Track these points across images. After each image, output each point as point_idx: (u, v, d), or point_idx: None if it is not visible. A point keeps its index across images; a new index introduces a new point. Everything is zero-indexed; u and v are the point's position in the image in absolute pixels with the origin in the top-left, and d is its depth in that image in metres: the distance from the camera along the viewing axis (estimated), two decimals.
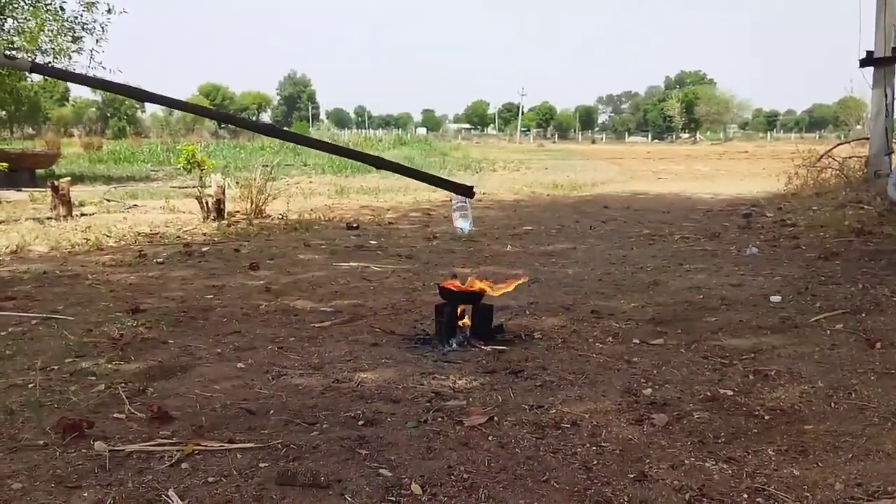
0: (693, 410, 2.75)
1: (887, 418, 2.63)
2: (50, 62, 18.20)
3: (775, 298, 4.57)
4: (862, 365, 3.25)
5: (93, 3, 17.90)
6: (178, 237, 7.69)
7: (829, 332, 3.80)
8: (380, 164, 3.82)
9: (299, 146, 33.43)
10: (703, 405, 2.81)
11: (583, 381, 3.12)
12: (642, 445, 2.44)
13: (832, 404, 2.79)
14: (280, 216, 9.26)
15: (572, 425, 2.62)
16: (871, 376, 3.10)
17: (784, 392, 2.93)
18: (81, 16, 17.89)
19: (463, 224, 3.78)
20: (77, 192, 11.36)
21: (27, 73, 18.43)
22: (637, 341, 3.73)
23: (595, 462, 2.32)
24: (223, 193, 9.12)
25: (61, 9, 17.73)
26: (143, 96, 3.80)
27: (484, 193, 13.44)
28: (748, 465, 2.28)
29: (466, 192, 3.76)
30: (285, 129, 4.11)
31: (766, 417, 2.68)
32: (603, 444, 2.46)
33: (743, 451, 2.38)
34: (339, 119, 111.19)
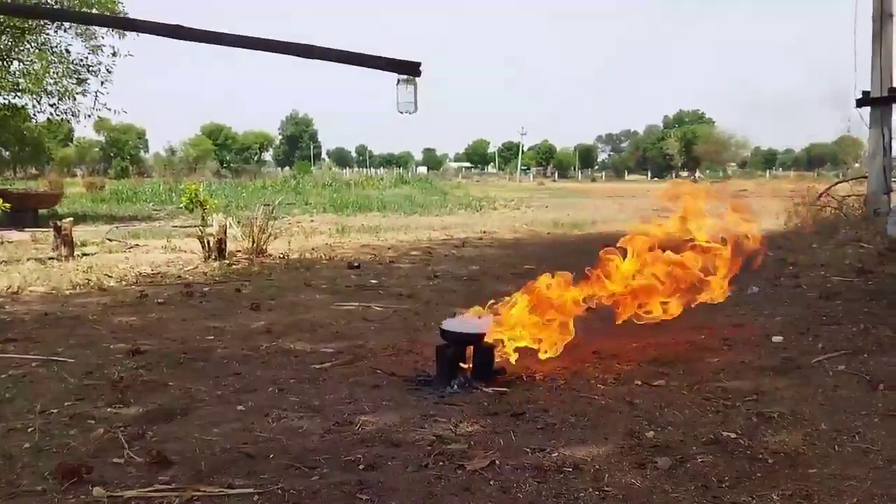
0: (696, 454, 2.73)
1: (892, 461, 2.61)
2: (55, 103, 18.45)
3: (777, 339, 4.56)
4: (865, 407, 3.23)
5: (98, 46, 18.20)
6: (180, 277, 7.70)
7: (831, 373, 3.79)
8: (305, 52, 3.55)
9: (301, 184, 33.52)
10: (707, 448, 2.80)
11: (585, 424, 3.10)
12: (645, 490, 2.42)
13: (836, 447, 2.77)
14: (281, 255, 9.28)
15: (574, 469, 2.60)
16: (875, 418, 3.09)
17: (787, 435, 2.92)
18: (87, 58, 18.18)
19: (408, 106, 3.68)
20: (79, 232, 11.41)
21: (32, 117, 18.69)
22: (639, 382, 3.71)
23: None
24: (225, 233, 9.15)
25: (67, 51, 18.01)
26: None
27: (484, 232, 13.51)
28: None
29: (412, 69, 3.56)
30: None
31: (770, 461, 2.66)
32: (606, 488, 2.44)
33: (747, 496, 2.36)
34: (341, 157, 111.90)
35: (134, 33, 17.86)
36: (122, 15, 17.94)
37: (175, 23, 3.26)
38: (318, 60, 3.62)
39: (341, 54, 3.52)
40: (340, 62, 3.60)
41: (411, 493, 2.41)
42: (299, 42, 3.37)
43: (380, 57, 3.49)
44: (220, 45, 3.58)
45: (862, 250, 8.44)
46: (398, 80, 3.63)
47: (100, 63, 18.27)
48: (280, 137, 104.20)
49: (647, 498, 2.36)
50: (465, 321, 3.98)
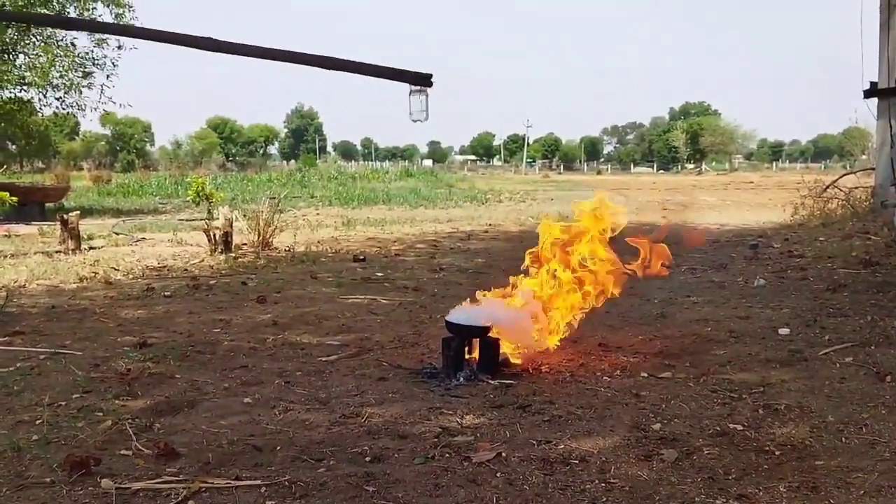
0: (703, 446, 2.73)
1: None
2: (61, 97, 18.47)
3: (784, 331, 4.55)
4: (872, 399, 3.23)
5: (103, 39, 18.18)
6: (186, 270, 7.72)
7: (838, 365, 3.78)
8: (320, 62, 3.54)
9: (306, 178, 33.52)
10: (713, 440, 2.79)
11: (591, 416, 3.10)
12: (652, 482, 2.42)
13: (843, 439, 2.77)
14: (287, 248, 9.29)
15: (581, 461, 2.60)
16: (882, 410, 3.08)
17: (794, 427, 2.91)
18: (92, 52, 18.14)
19: (420, 115, 3.73)
20: (86, 226, 11.44)
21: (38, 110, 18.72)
22: (645, 375, 3.71)
23: (604, 499, 2.30)
24: (231, 226, 9.16)
25: (72, 44, 18.00)
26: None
27: (490, 224, 13.50)
28: (759, 503, 2.25)
29: (423, 80, 3.60)
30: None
31: (777, 453, 2.65)
32: (612, 480, 2.44)
33: (754, 488, 2.36)
34: (346, 151, 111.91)
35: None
36: (129, 6, 17.94)
37: (207, 35, 3.18)
38: (335, 71, 3.61)
39: (360, 66, 3.53)
40: (357, 73, 3.61)
41: (418, 484, 2.42)
42: (318, 54, 3.36)
43: (395, 69, 3.51)
44: (247, 56, 3.55)
45: (869, 242, 8.42)
46: (411, 91, 3.66)
47: (105, 56, 18.27)
48: (285, 131, 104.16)
49: (653, 490, 2.36)
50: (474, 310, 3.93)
